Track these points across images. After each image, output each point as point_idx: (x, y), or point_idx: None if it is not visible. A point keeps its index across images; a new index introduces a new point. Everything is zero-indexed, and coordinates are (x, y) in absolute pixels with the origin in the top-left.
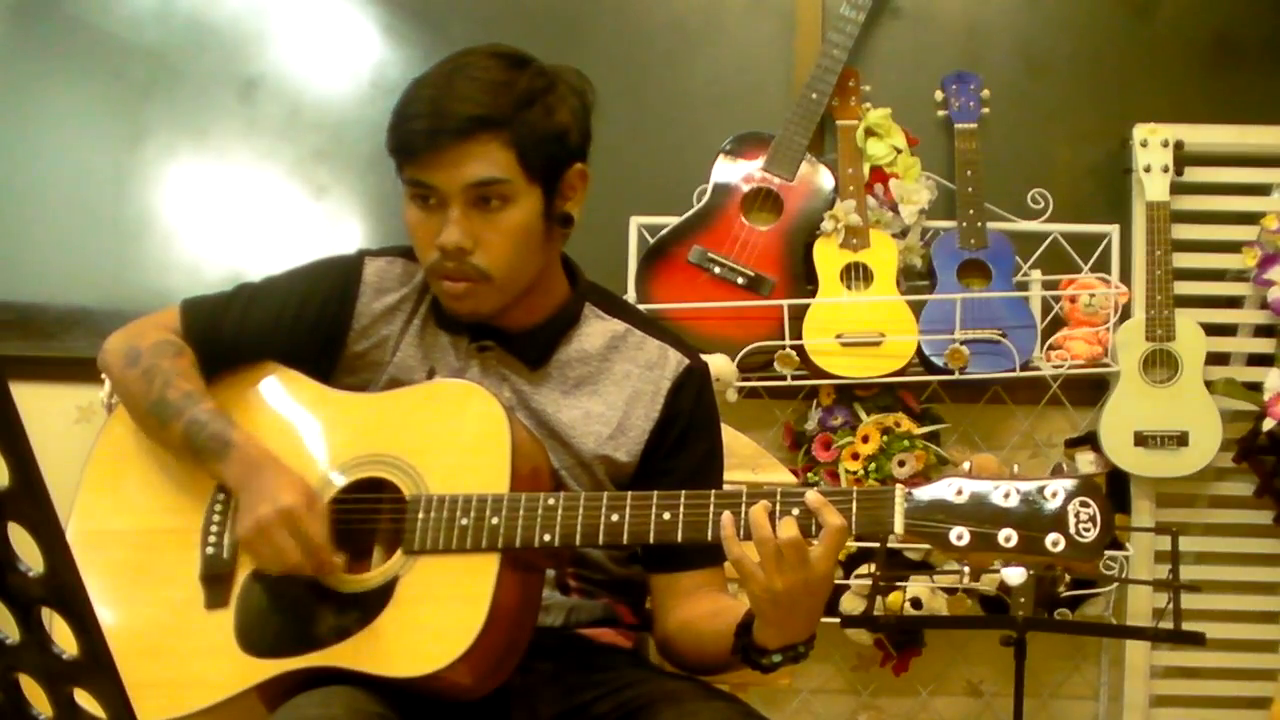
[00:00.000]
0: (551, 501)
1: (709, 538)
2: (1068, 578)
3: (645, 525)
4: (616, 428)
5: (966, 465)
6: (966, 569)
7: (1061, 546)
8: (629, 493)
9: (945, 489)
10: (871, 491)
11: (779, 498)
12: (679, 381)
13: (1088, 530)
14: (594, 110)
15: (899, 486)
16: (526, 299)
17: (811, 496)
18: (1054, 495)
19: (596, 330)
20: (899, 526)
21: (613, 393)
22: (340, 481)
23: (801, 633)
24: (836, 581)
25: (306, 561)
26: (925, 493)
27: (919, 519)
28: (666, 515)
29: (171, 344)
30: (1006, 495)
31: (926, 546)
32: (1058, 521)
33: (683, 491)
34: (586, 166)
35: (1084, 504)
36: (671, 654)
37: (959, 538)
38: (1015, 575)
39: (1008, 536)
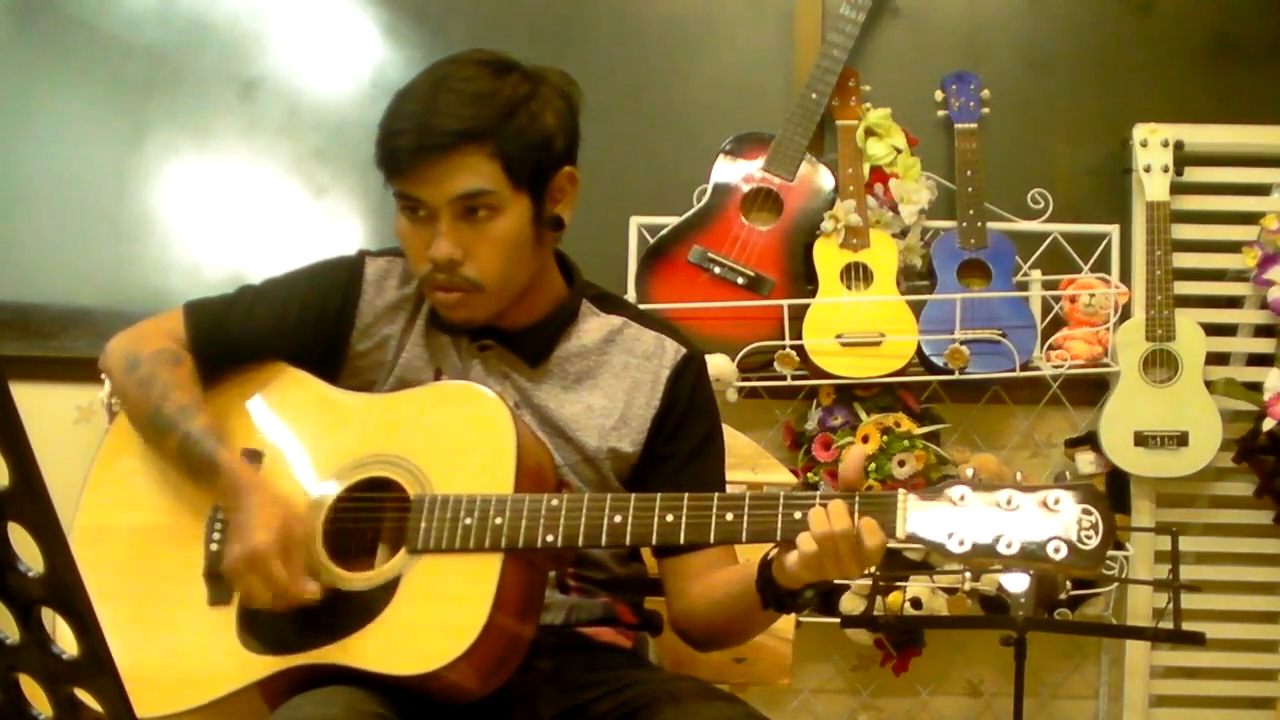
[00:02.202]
0: (555, 502)
1: (711, 539)
2: (1069, 585)
3: (648, 527)
4: (619, 419)
5: (970, 472)
6: (968, 572)
7: (1063, 554)
8: (632, 494)
9: (948, 495)
10: (874, 496)
11: (782, 501)
12: (678, 369)
13: (1089, 538)
14: (582, 110)
15: (902, 491)
16: (524, 298)
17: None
18: (1056, 503)
19: (593, 326)
20: (901, 532)
21: (613, 385)
22: (345, 481)
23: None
24: (836, 581)
25: (275, 602)
26: (928, 499)
27: (922, 524)
28: (669, 517)
29: (171, 352)
30: (1009, 502)
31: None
32: (1060, 529)
33: (686, 494)
34: (576, 169)
35: (1086, 511)
36: (693, 632)
37: (961, 544)
38: (1017, 583)
39: (1009, 543)
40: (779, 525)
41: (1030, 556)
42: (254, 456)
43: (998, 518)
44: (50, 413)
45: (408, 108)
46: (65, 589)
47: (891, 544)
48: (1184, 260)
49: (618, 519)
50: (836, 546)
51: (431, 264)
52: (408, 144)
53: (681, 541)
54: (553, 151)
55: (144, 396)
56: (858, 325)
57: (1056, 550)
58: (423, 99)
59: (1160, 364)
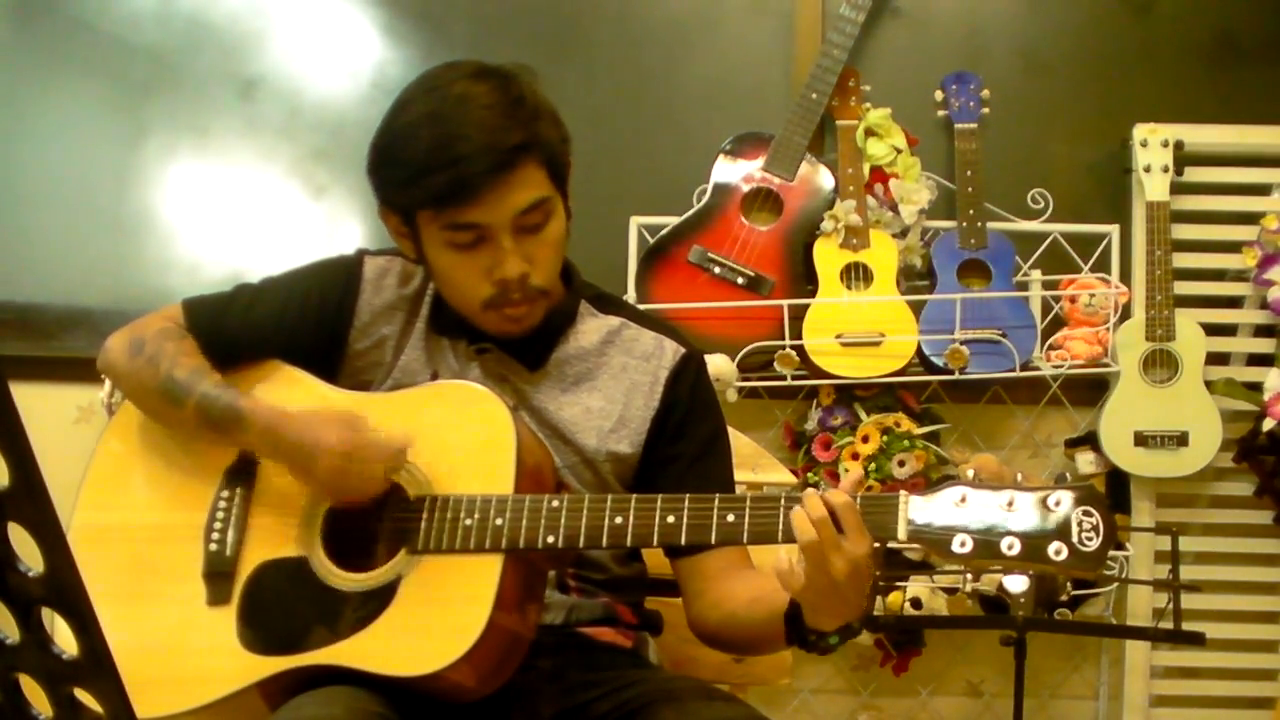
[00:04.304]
0: (556, 503)
1: (713, 540)
2: (1069, 586)
3: (649, 528)
4: (618, 420)
5: (970, 473)
6: (968, 573)
7: (1064, 555)
8: (633, 495)
9: (949, 496)
10: (875, 497)
11: (783, 502)
12: (677, 370)
13: (1090, 539)
14: (577, 112)
15: (903, 492)
16: None
17: (810, 493)
18: (1057, 504)
19: (592, 327)
20: (902, 533)
21: (611, 386)
22: None
23: (855, 612)
24: (857, 624)
25: (393, 467)
26: (928, 499)
27: (922, 525)
28: (670, 518)
29: (174, 330)
30: (1010, 503)
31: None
32: (1060, 530)
33: (687, 495)
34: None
35: (1087, 513)
36: (715, 641)
37: (962, 545)
38: (1017, 584)
39: (1010, 544)
40: (780, 526)
41: (1031, 558)
42: (251, 455)
43: (999, 519)
44: (50, 413)
45: (436, 137)
46: (65, 589)
47: (893, 544)
48: (1184, 260)
49: (619, 520)
50: (819, 538)
51: (500, 285)
52: (479, 168)
53: (683, 543)
54: (568, 143)
55: (153, 372)
56: (858, 325)
57: (1058, 552)
58: (451, 126)
59: (1160, 364)
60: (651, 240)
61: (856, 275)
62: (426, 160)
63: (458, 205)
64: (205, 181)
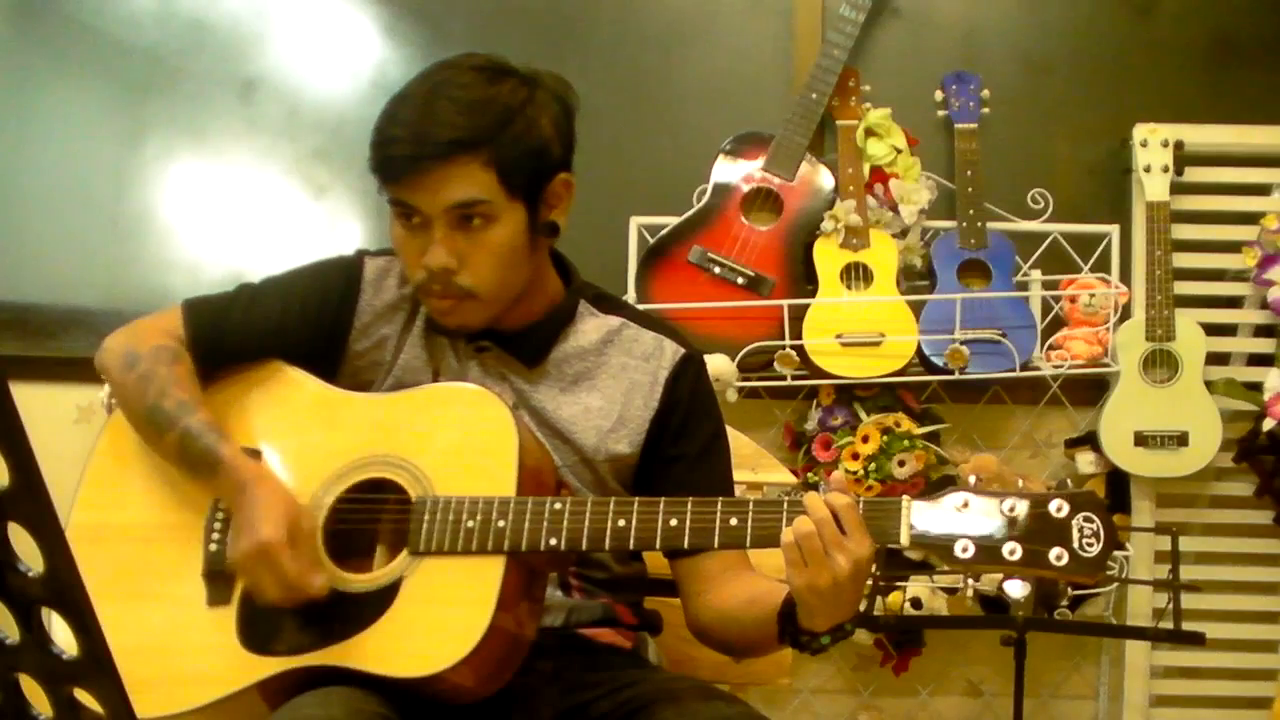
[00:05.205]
0: (558, 505)
1: (715, 544)
2: (1069, 590)
3: (652, 531)
4: (617, 420)
5: (972, 479)
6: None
7: (1065, 561)
8: (636, 498)
9: (951, 501)
10: (878, 502)
11: (786, 506)
12: (677, 370)
13: (1091, 545)
14: (581, 110)
15: (905, 498)
16: (520, 300)
17: (812, 495)
18: (1058, 510)
19: (592, 326)
20: (904, 538)
21: (610, 386)
22: (345, 482)
23: (847, 613)
24: (849, 624)
25: (285, 597)
26: (930, 504)
27: (925, 531)
28: (673, 522)
29: (169, 350)
30: (1011, 509)
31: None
32: (1061, 536)
33: (690, 498)
34: (571, 175)
35: (1088, 519)
36: (711, 641)
37: (964, 550)
38: (1017, 589)
39: (1012, 550)
40: (783, 529)
41: (1033, 564)
42: (252, 456)
43: (1001, 525)
44: (50, 413)
45: (403, 114)
46: (65, 589)
47: (893, 547)
48: (1184, 260)
49: (621, 523)
50: (821, 536)
51: (426, 272)
52: (403, 152)
53: (686, 546)
54: (549, 159)
55: (142, 393)
56: (858, 325)
57: (1059, 558)
58: (418, 106)
59: (1160, 364)
60: (651, 240)
61: (856, 275)
62: (375, 133)
63: (386, 182)
64: (205, 181)
